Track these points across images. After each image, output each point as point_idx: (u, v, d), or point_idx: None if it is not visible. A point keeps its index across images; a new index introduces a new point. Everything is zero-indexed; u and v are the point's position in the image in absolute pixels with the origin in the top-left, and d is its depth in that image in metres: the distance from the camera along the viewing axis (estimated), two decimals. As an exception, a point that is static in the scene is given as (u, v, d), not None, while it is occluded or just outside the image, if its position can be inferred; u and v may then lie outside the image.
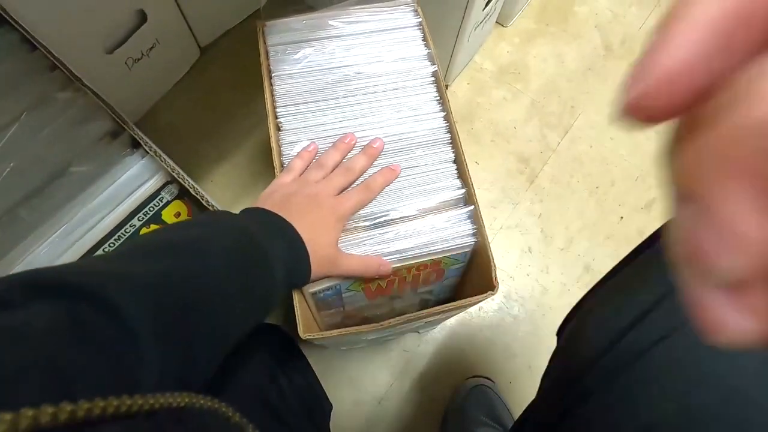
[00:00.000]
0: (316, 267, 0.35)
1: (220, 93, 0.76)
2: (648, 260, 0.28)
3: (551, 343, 0.65)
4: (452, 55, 0.70)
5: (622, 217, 0.73)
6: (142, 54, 0.66)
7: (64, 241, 0.39)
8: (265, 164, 0.72)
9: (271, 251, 0.32)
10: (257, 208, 0.36)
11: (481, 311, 0.66)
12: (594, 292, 0.33)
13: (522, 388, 0.63)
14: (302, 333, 0.37)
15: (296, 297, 0.38)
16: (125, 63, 0.64)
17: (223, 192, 0.70)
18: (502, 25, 0.84)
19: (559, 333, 0.35)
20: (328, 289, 0.40)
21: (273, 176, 0.71)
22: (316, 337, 0.37)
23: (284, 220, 0.35)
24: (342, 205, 0.38)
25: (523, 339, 0.65)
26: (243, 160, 0.72)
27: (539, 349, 0.65)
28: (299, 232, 0.34)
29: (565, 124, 0.78)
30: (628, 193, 0.74)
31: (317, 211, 0.37)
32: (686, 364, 0.22)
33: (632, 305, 0.25)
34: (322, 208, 0.37)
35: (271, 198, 0.38)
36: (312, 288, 0.39)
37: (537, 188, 0.74)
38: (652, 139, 0.78)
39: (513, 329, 0.65)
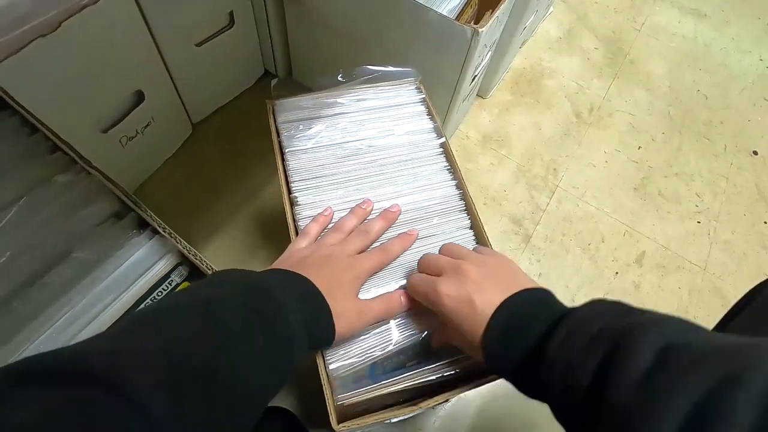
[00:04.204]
0: (340, 321, 0.33)
1: (212, 168, 0.75)
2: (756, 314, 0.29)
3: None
4: (443, 127, 0.74)
5: (617, 273, 0.74)
6: (137, 132, 0.66)
7: (62, 334, 0.35)
8: (261, 237, 0.70)
9: (289, 303, 0.30)
10: (270, 269, 0.34)
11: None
12: None
13: (547, 462, 0.59)
14: (335, 425, 0.33)
15: (326, 388, 0.35)
16: (119, 141, 0.63)
17: (218, 267, 0.67)
18: (482, 97, 0.90)
19: None
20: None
21: (272, 249, 0.69)
22: (352, 427, 0.34)
23: (299, 274, 0.33)
24: (359, 264, 0.37)
25: (541, 406, 0.62)
26: (238, 234, 0.70)
27: (558, 417, 0.62)
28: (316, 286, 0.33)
29: (550, 185, 0.82)
30: (618, 249, 0.77)
31: (333, 267, 0.35)
32: None
33: None
34: (339, 265, 0.36)
35: (286, 262, 0.36)
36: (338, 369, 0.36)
37: (533, 248, 0.75)
38: (632, 197, 0.83)
39: (529, 397, 0.63)
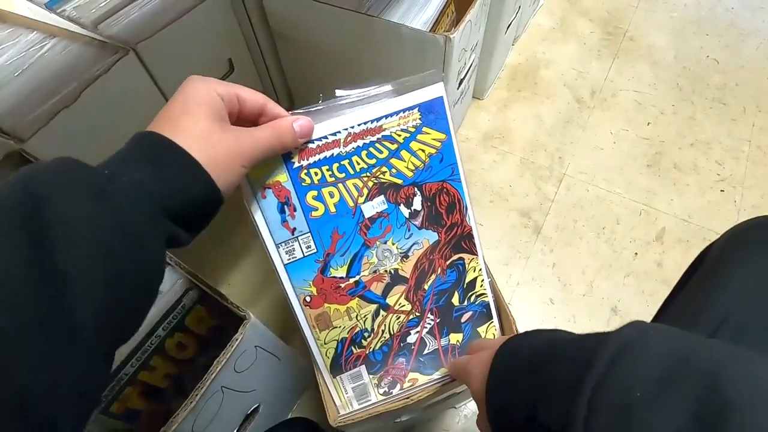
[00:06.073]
0: (205, 156, 0.24)
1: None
2: (704, 279, 0.29)
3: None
4: (437, 132, 0.76)
5: (636, 253, 0.72)
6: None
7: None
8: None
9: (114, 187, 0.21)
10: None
11: (516, 374, 0.64)
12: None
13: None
14: (332, 421, 0.36)
15: (321, 385, 0.37)
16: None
17: (242, 292, 0.71)
18: (479, 99, 0.91)
19: None
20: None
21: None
22: (348, 422, 0.36)
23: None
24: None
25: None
26: (257, 260, 0.75)
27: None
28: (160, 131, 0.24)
29: (557, 174, 0.81)
30: (636, 229, 0.75)
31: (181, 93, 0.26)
32: None
33: (704, 322, 0.26)
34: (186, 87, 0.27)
35: None
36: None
37: (544, 239, 0.74)
38: (645, 174, 0.81)
39: (553, 388, 0.62)
